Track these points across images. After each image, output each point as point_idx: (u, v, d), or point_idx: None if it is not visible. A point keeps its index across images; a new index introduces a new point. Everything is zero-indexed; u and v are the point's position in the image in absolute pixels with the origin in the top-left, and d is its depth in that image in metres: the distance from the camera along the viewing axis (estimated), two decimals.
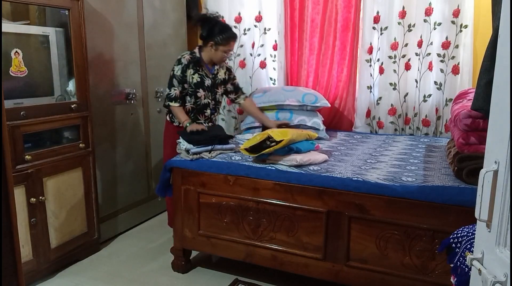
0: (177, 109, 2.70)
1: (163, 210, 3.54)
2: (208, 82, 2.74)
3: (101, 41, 2.87)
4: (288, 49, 3.40)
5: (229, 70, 2.91)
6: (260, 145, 2.29)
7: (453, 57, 2.92)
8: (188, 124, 2.63)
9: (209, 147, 2.45)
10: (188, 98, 2.73)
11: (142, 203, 3.38)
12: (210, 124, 2.84)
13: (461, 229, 1.39)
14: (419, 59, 3.01)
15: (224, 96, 2.96)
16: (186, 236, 2.53)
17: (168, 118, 2.85)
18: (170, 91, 2.69)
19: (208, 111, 2.81)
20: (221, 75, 2.83)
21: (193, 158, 2.43)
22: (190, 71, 2.69)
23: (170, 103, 2.69)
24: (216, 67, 2.80)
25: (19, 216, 2.20)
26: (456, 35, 2.88)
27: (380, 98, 3.17)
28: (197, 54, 2.73)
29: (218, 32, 2.64)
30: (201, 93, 2.73)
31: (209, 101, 2.79)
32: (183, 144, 2.50)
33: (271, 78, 3.50)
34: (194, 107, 2.75)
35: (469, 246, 1.28)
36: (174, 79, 2.68)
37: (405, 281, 2.02)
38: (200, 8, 3.64)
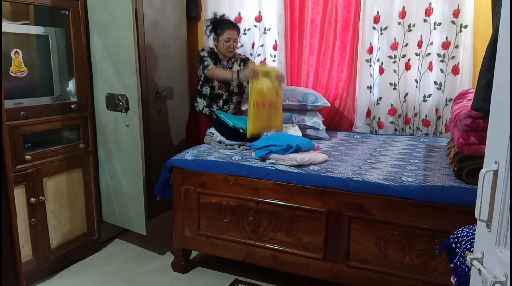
0: (216, 69, 2.85)
1: (163, 210, 3.55)
2: None
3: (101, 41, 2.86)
4: (288, 49, 3.40)
5: (243, 60, 3.06)
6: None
7: (453, 57, 2.91)
8: (237, 72, 2.80)
9: (239, 142, 2.68)
10: (206, 84, 2.91)
11: None
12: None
13: (461, 229, 1.39)
14: (419, 59, 3.01)
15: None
16: (186, 236, 2.53)
17: (205, 111, 2.95)
18: (204, 63, 2.85)
19: (221, 102, 2.98)
20: (235, 67, 2.97)
21: (226, 148, 2.65)
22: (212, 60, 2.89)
23: (207, 70, 2.82)
24: (230, 61, 2.99)
25: (19, 216, 2.20)
26: (456, 35, 2.88)
27: (380, 98, 3.17)
28: (215, 50, 2.96)
29: (218, 26, 2.93)
30: (215, 83, 2.91)
31: (222, 92, 2.97)
32: (216, 136, 2.71)
33: None
34: (210, 92, 2.93)
35: (469, 246, 1.28)
36: (204, 57, 2.87)
37: (405, 281, 2.02)
38: (200, 8, 3.64)
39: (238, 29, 2.99)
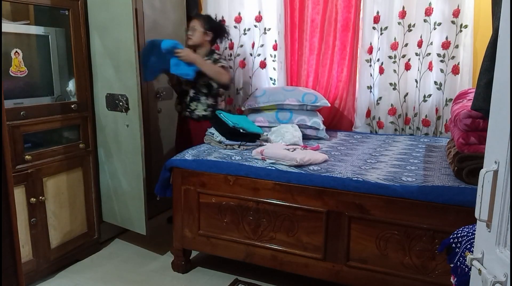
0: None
1: (163, 210, 3.55)
2: None
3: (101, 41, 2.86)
4: (288, 49, 3.39)
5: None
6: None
7: (453, 57, 2.91)
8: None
9: (239, 143, 2.68)
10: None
11: None
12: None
13: (461, 229, 1.39)
14: (419, 59, 3.01)
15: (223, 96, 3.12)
16: (186, 236, 2.53)
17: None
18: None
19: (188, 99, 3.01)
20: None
21: (226, 148, 2.64)
22: None
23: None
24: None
25: (19, 216, 2.20)
26: (456, 35, 2.88)
27: (380, 98, 3.17)
28: None
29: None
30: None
31: (189, 89, 3.02)
32: (216, 136, 2.70)
33: (271, 78, 3.50)
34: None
35: (469, 246, 1.28)
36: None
37: (405, 281, 2.02)
38: (200, 8, 3.64)
39: (198, 18, 3.04)
